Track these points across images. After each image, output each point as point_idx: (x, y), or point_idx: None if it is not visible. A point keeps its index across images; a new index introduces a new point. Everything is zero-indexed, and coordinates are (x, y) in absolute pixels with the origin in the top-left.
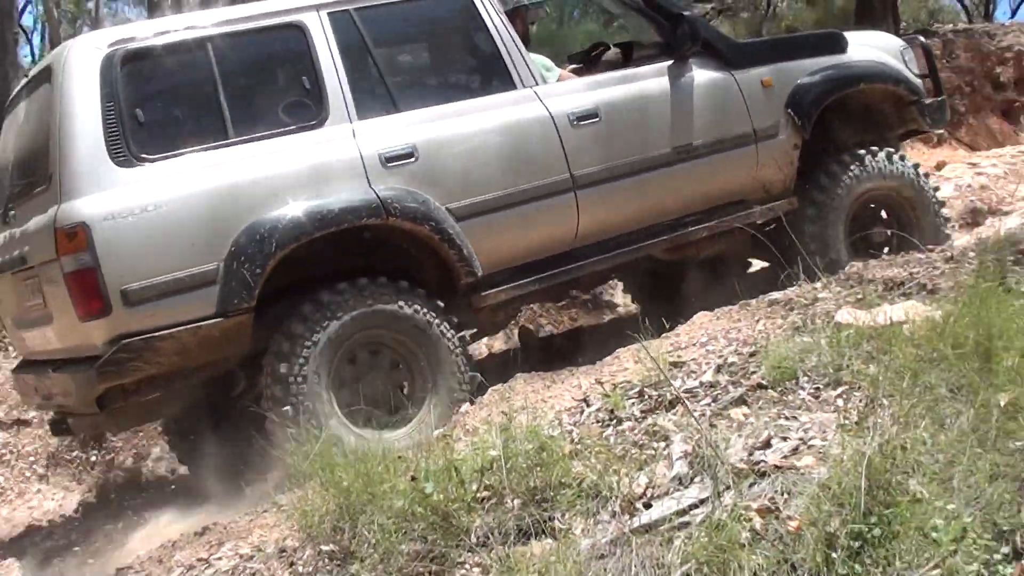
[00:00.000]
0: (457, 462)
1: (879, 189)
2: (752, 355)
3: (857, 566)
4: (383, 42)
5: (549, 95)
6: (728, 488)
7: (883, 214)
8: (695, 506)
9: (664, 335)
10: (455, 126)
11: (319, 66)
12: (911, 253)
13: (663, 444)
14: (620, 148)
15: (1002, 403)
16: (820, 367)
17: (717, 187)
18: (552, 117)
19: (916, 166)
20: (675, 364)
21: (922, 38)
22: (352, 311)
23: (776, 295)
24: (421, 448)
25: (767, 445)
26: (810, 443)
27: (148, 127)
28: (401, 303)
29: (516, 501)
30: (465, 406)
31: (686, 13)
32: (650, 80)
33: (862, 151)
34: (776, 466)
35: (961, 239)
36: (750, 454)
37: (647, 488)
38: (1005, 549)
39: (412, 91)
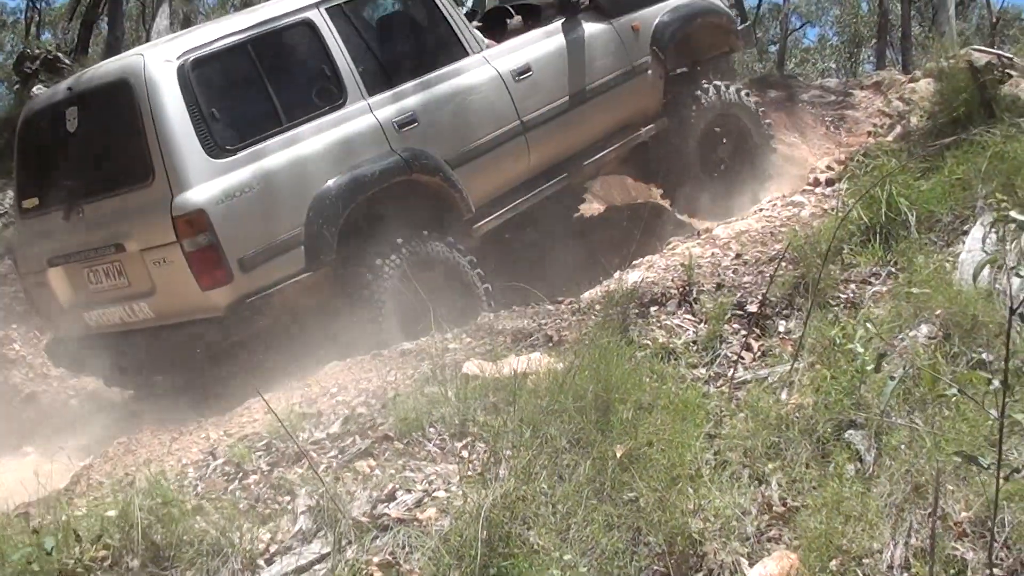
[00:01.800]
0: (74, 520)
1: (727, 113)
2: (381, 407)
3: None
4: (369, 29)
5: (493, 57)
6: (351, 543)
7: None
8: (317, 561)
9: (296, 386)
10: (437, 92)
11: (332, 54)
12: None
13: (288, 498)
14: (549, 94)
15: (618, 455)
16: (447, 418)
17: (615, 116)
18: (500, 75)
19: (757, 102)
20: (305, 416)
21: None
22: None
23: (408, 345)
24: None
25: (392, 498)
26: (434, 495)
27: (224, 122)
28: (438, 248)
29: (135, 561)
30: (90, 458)
31: None
32: (559, 35)
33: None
34: (399, 519)
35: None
36: (374, 507)
37: (270, 544)
38: None
39: (398, 67)
